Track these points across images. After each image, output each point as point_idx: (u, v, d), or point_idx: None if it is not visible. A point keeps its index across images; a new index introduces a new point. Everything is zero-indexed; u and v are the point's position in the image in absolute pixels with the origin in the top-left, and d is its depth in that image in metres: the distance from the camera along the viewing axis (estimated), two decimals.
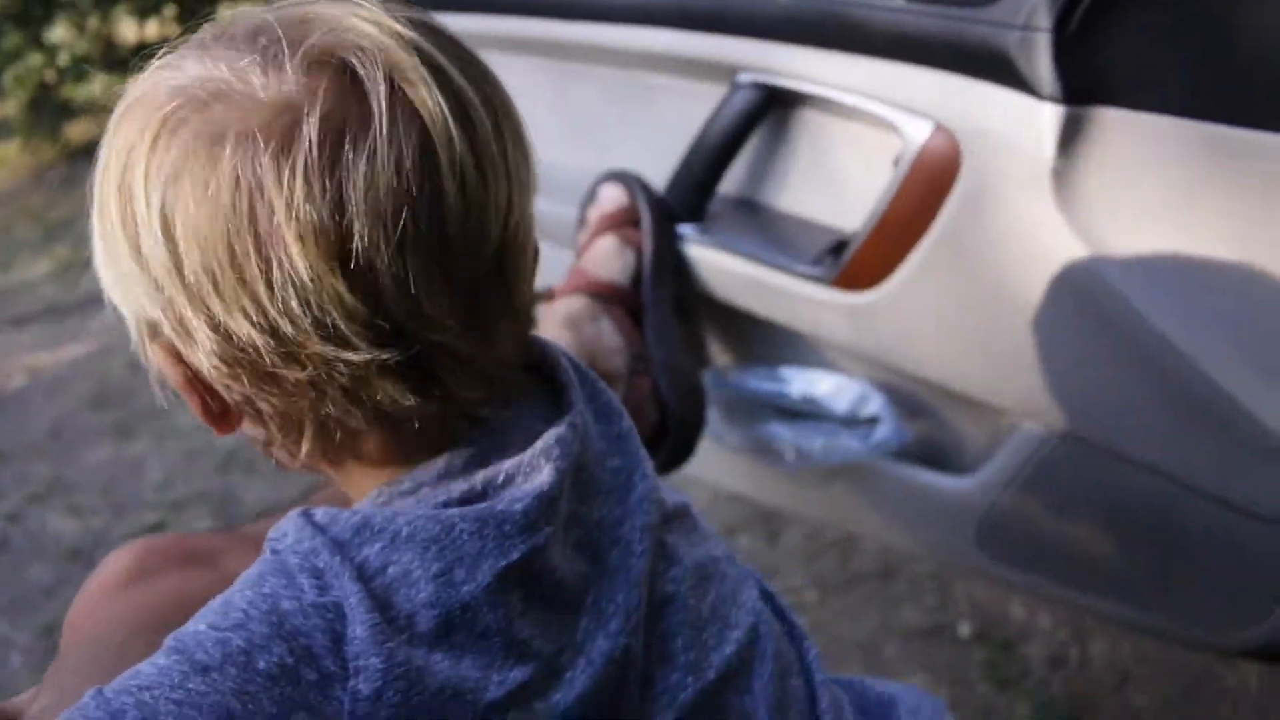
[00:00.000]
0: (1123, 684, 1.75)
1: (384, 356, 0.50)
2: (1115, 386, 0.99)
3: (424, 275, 0.50)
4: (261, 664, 0.49)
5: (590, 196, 1.31)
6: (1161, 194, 0.93)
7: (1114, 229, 0.94)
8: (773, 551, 2.19)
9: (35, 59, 6.67)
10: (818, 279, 1.13)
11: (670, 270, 1.23)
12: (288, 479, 2.81)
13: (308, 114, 0.48)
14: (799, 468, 1.22)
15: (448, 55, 0.52)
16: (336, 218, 0.48)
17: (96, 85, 7.17)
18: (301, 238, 0.48)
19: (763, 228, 1.23)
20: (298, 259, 0.48)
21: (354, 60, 0.50)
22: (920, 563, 2.08)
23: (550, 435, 0.57)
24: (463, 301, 0.52)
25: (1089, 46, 0.90)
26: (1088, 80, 0.91)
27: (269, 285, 0.49)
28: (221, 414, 0.56)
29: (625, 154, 1.34)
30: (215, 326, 0.51)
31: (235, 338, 0.50)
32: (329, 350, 0.50)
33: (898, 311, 1.08)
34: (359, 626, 0.51)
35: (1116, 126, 0.91)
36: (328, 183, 0.48)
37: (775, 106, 1.18)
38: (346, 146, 0.48)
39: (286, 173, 0.48)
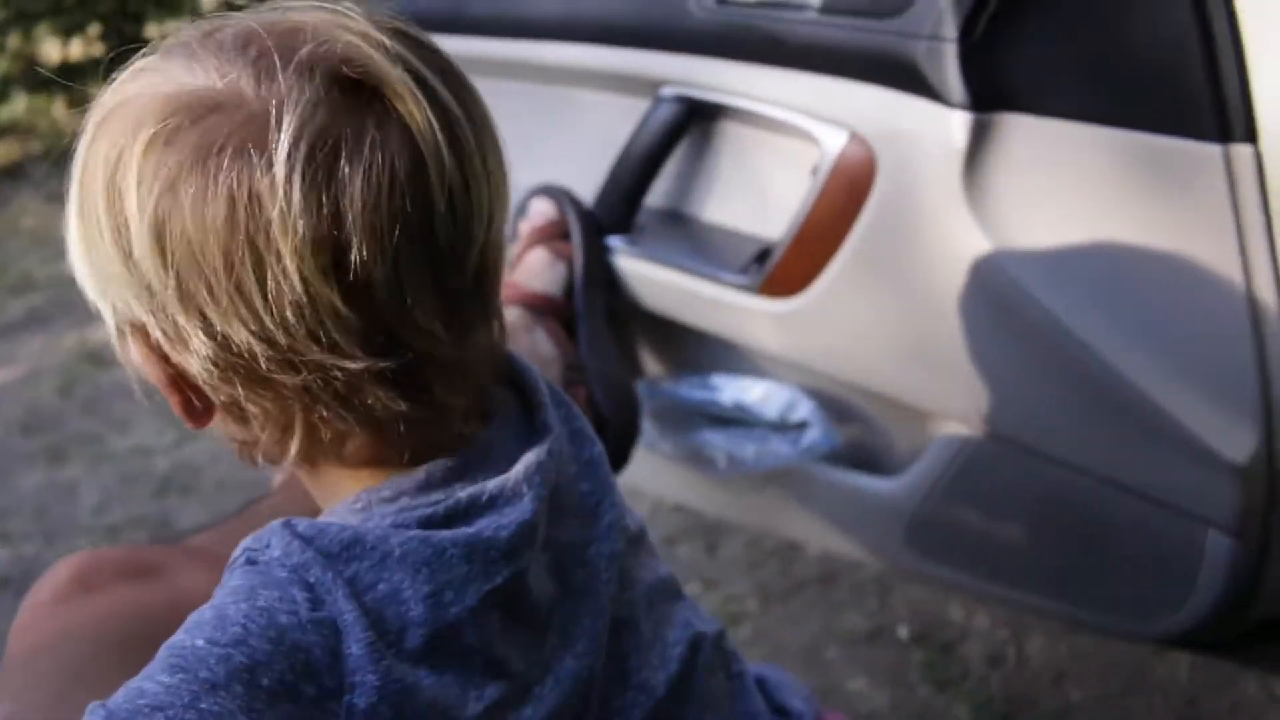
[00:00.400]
0: (1059, 680, 1.78)
1: (380, 365, 0.51)
2: (1031, 385, 1.01)
3: (416, 286, 0.51)
4: (265, 681, 0.49)
5: (520, 210, 1.31)
6: (1067, 196, 0.95)
7: (1024, 231, 0.96)
8: (713, 561, 2.20)
9: None
10: (744, 287, 1.14)
11: (601, 281, 1.24)
12: (223, 500, 2.78)
13: (302, 128, 0.49)
14: (732, 474, 1.24)
15: (431, 68, 0.52)
16: (333, 231, 0.49)
17: (19, 105, 7.04)
18: (298, 250, 0.48)
19: (689, 238, 1.24)
20: (293, 271, 0.48)
21: (345, 73, 0.50)
22: (861, 568, 2.10)
23: (531, 460, 0.59)
24: (448, 309, 0.53)
25: (993, 55, 0.93)
26: (993, 87, 0.93)
27: (264, 296, 0.49)
28: (203, 411, 0.57)
29: (553, 168, 1.35)
30: (211, 334, 0.51)
31: (232, 344, 0.51)
32: (325, 358, 0.51)
33: (821, 317, 1.10)
34: (355, 644, 0.51)
35: (1022, 132, 0.94)
36: (324, 196, 0.48)
37: (698, 119, 1.20)
38: (342, 160, 0.49)
39: (283, 186, 0.48)
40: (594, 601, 0.61)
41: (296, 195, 0.48)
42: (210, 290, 0.50)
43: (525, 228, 1.28)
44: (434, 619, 0.53)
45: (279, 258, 0.48)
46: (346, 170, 0.49)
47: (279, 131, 0.48)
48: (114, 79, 0.55)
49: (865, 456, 1.22)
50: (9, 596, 2.53)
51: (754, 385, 1.22)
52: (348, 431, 0.55)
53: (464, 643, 0.55)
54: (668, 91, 1.18)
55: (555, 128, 1.35)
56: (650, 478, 1.38)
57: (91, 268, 0.55)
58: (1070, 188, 0.95)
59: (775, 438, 1.20)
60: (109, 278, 0.54)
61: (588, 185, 1.28)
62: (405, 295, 0.51)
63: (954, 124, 0.94)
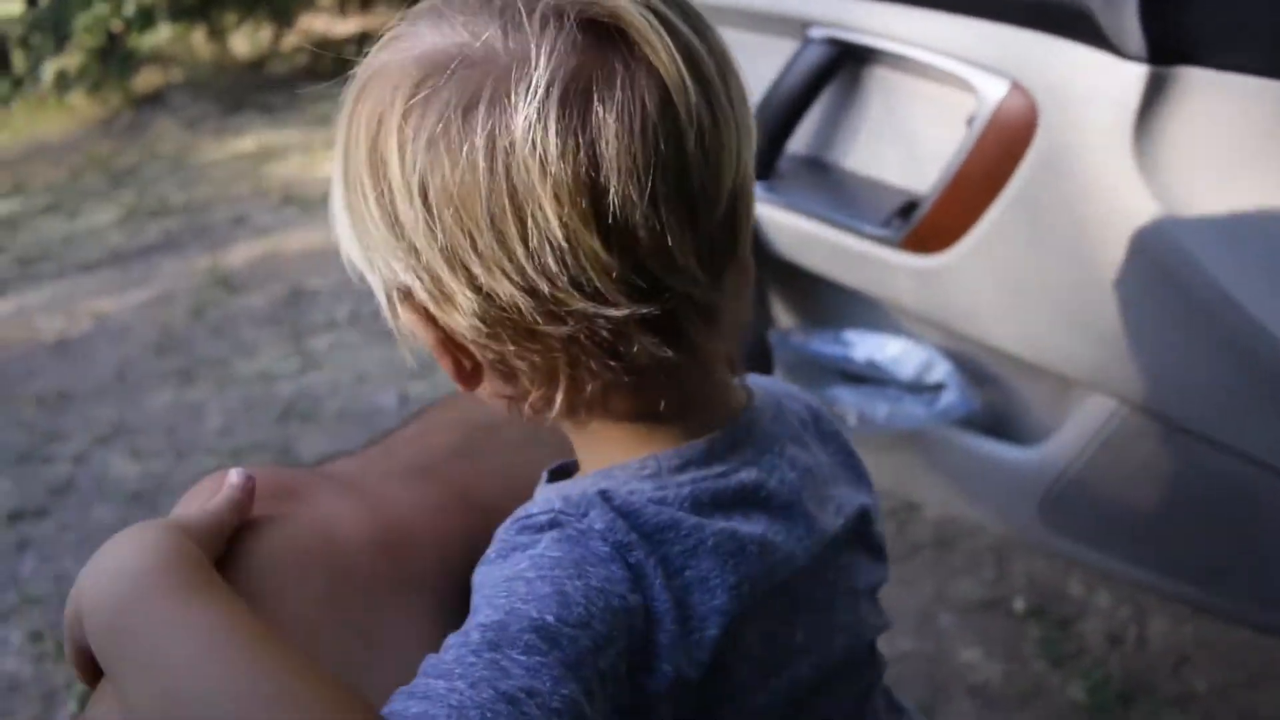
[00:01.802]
0: (1181, 666, 1.72)
1: (643, 310, 0.51)
2: (1190, 359, 0.96)
3: (673, 226, 0.50)
4: (602, 664, 0.50)
5: None
6: (1245, 158, 0.89)
7: (1197, 195, 0.91)
8: None
9: (102, 8, 6.76)
10: (886, 240, 1.11)
11: None
12: (342, 430, 2.84)
13: (554, 74, 0.49)
14: (862, 433, 1.21)
15: (671, 7, 0.52)
16: (591, 174, 0.48)
17: (163, 34, 7.25)
18: (557, 196, 0.48)
19: (831, 187, 1.21)
20: (553, 218, 0.49)
21: (589, 17, 0.50)
22: (978, 535, 2.05)
23: (799, 461, 0.62)
24: (703, 249, 0.52)
25: (1175, 4, 0.87)
26: (1173, 39, 0.88)
27: (526, 245, 0.49)
28: (473, 372, 0.57)
29: None
30: (476, 288, 0.51)
31: (496, 298, 0.51)
32: (589, 307, 0.50)
33: (968, 276, 1.06)
34: (664, 634, 0.53)
35: (1201, 87, 0.88)
36: (579, 140, 0.48)
37: (847, 63, 1.16)
38: (595, 104, 0.49)
39: (539, 132, 0.48)
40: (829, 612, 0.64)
41: (553, 141, 0.48)
42: (474, 244, 0.50)
43: None
44: (733, 609, 0.55)
45: (539, 205, 0.48)
46: (599, 112, 0.49)
47: (531, 80, 0.49)
48: (366, 52, 0.56)
49: (1002, 423, 1.17)
50: (140, 510, 2.63)
51: (890, 343, 1.18)
52: (613, 382, 0.55)
53: (753, 633, 0.57)
54: (817, 33, 1.14)
55: None
56: None
57: (358, 238, 0.55)
58: (1248, 149, 0.89)
59: (909, 398, 1.16)
60: (375, 244, 0.54)
61: None
62: (664, 236, 0.50)
63: (1127, 76, 0.89)
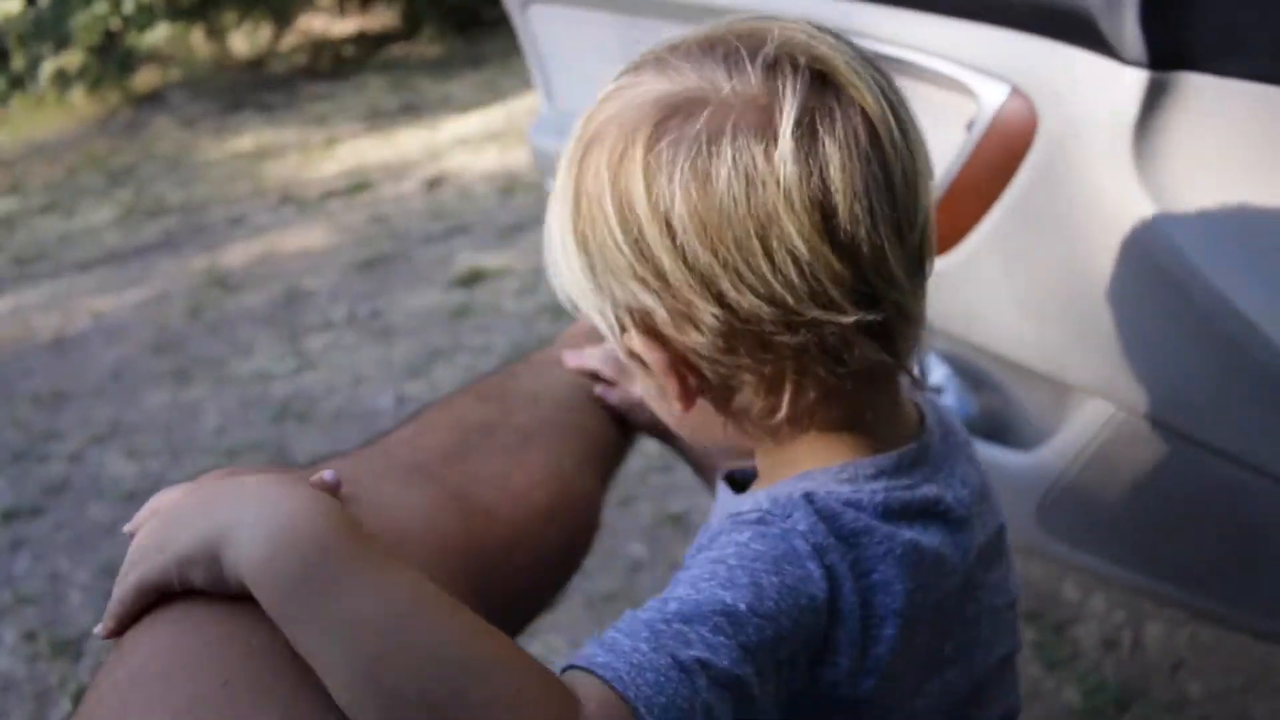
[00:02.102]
0: (1177, 671, 1.72)
1: (868, 317, 0.58)
2: (1189, 365, 0.96)
3: (890, 242, 0.57)
4: (782, 654, 0.56)
5: None
6: (1247, 165, 0.89)
7: (1196, 201, 0.91)
8: None
9: (101, 7, 6.75)
10: None
11: None
12: (337, 431, 2.84)
13: (781, 109, 0.56)
14: None
15: (859, 59, 0.60)
16: (822, 196, 0.55)
17: (161, 33, 7.24)
18: (798, 216, 0.55)
19: None
20: (794, 235, 0.55)
21: (805, 64, 0.58)
22: None
23: (970, 479, 0.69)
24: (909, 263, 0.60)
25: (1176, 9, 0.87)
26: (1174, 44, 0.88)
27: (771, 261, 0.56)
28: (695, 391, 0.62)
29: None
30: (722, 303, 0.57)
31: (740, 311, 0.57)
32: (822, 315, 0.57)
33: (964, 281, 1.06)
34: (845, 631, 0.59)
35: (1203, 94, 0.88)
36: (810, 166, 0.55)
37: None
38: (821, 136, 0.56)
39: (776, 161, 0.55)
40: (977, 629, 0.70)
41: (790, 168, 0.55)
42: (723, 264, 0.56)
43: None
44: (910, 613, 0.60)
45: (781, 225, 0.55)
46: (826, 143, 0.56)
47: (761, 115, 0.56)
48: (587, 113, 0.62)
49: (998, 428, 1.17)
50: (136, 509, 2.62)
51: None
52: (833, 389, 0.61)
53: (917, 638, 0.62)
54: None
55: None
56: None
57: (590, 269, 0.61)
58: (1249, 155, 0.89)
59: None
60: (614, 273, 0.59)
61: None
62: (883, 249, 0.57)
63: (1128, 81, 0.89)
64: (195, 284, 4.15)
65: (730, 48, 0.58)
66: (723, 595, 0.55)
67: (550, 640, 1.93)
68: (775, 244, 0.56)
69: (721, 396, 0.63)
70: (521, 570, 0.73)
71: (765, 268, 0.56)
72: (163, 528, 0.59)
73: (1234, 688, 1.67)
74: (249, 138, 6.46)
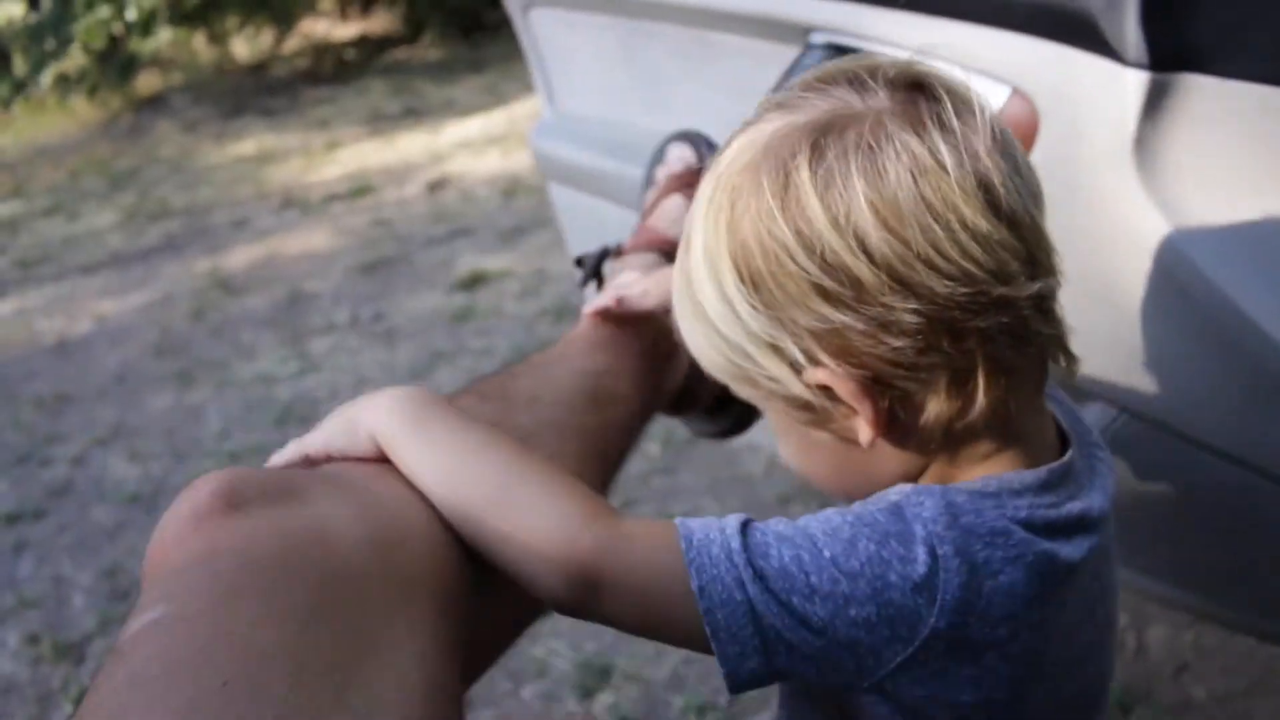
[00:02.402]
0: (1180, 674, 1.71)
1: (1039, 288, 0.62)
2: (1191, 367, 0.95)
3: (1038, 214, 0.63)
4: (852, 613, 0.60)
5: (658, 156, 1.29)
6: (1252, 168, 0.89)
7: (1199, 204, 0.90)
8: None
9: (104, 12, 6.76)
10: None
11: None
12: None
13: (920, 111, 0.61)
14: None
15: (953, 76, 0.65)
16: (982, 178, 0.60)
17: (164, 38, 7.25)
18: (969, 197, 0.59)
19: None
20: (969, 215, 0.59)
21: (911, 79, 0.63)
22: None
23: (1109, 487, 0.72)
24: (1045, 238, 0.65)
25: (1178, 10, 0.87)
26: (1176, 45, 0.87)
27: (956, 243, 0.59)
28: (888, 414, 0.64)
29: (693, 114, 1.32)
30: (920, 295, 0.60)
31: (936, 299, 0.60)
32: (1007, 290, 0.60)
33: None
34: (943, 619, 0.60)
35: (1205, 95, 0.88)
36: (964, 154, 0.59)
37: None
38: (959, 128, 0.60)
39: (939, 154, 0.59)
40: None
41: (950, 157, 0.59)
42: (916, 254, 0.59)
43: (663, 174, 1.26)
44: (1029, 618, 0.62)
45: (955, 209, 0.59)
46: (967, 135, 0.60)
47: (911, 118, 0.61)
48: (713, 172, 0.66)
49: None
50: (139, 512, 2.63)
51: None
52: (1015, 383, 0.64)
53: (1034, 639, 0.64)
54: (818, 38, 1.14)
55: (696, 73, 1.32)
56: (770, 434, 1.35)
57: (766, 309, 0.63)
58: (1252, 157, 0.89)
59: None
60: (800, 301, 0.61)
61: (728, 133, 1.25)
62: (1037, 222, 0.62)
63: (1129, 83, 0.88)
64: (198, 287, 4.16)
65: (850, 76, 0.63)
66: (817, 539, 0.61)
67: (552, 644, 1.93)
68: (957, 226, 0.59)
69: (912, 410, 0.64)
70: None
71: (954, 250, 0.59)
72: (313, 431, 0.75)
73: (1238, 690, 1.67)
74: (251, 142, 6.47)
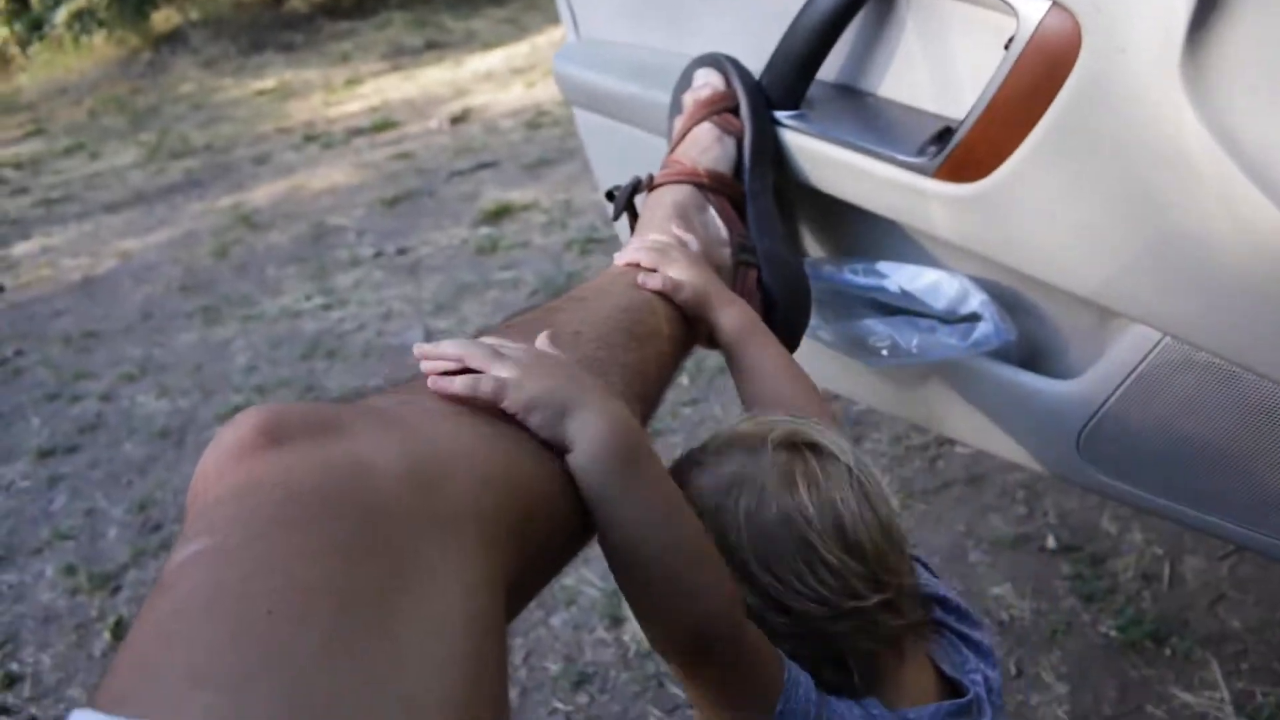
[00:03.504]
0: (1216, 604, 1.70)
1: (880, 599, 0.76)
2: (1240, 291, 0.92)
3: (882, 541, 0.77)
4: None
5: (685, 81, 1.26)
6: None
7: (1251, 118, 0.87)
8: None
9: None
10: (920, 169, 1.07)
11: (769, 158, 1.18)
12: (367, 367, 2.84)
13: (797, 472, 0.77)
14: (894, 364, 1.18)
15: (832, 438, 0.81)
16: (837, 520, 0.75)
17: None
18: (822, 538, 0.75)
19: (864, 115, 1.17)
20: (824, 552, 0.75)
21: (795, 443, 0.78)
22: (1010, 472, 2.04)
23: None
24: (899, 554, 0.79)
25: None
26: None
27: (813, 574, 0.75)
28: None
29: (719, 37, 1.29)
30: (788, 611, 0.76)
31: (796, 613, 0.76)
32: (855, 604, 0.75)
33: (1005, 204, 1.03)
34: None
35: (1254, 3, 0.84)
36: (824, 504, 0.75)
37: None
38: (825, 483, 0.77)
39: (805, 509, 0.75)
40: None
41: (811, 510, 0.75)
42: (785, 585, 0.76)
43: (689, 100, 1.22)
44: None
45: (814, 549, 0.75)
46: (830, 488, 0.77)
47: (790, 478, 0.77)
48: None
49: (1038, 356, 1.15)
50: (168, 446, 2.65)
51: (923, 273, 1.15)
52: (884, 655, 0.80)
53: None
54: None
55: None
56: (804, 365, 1.33)
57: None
58: None
59: (943, 329, 1.13)
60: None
61: (756, 56, 1.22)
62: (880, 547, 0.77)
63: None
64: (222, 223, 4.15)
65: (750, 442, 0.79)
66: None
67: (582, 573, 1.93)
68: (816, 562, 0.75)
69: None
70: (561, 507, 0.72)
71: (813, 579, 0.75)
72: (527, 373, 0.73)
73: (1274, 621, 1.65)
74: (271, 77, 6.42)
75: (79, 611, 2.11)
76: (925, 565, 0.91)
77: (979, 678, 0.86)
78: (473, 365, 0.73)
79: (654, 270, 1.02)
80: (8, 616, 2.13)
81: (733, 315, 1.02)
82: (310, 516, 0.54)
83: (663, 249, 1.04)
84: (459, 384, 0.72)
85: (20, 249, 4.30)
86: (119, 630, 2.02)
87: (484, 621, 0.57)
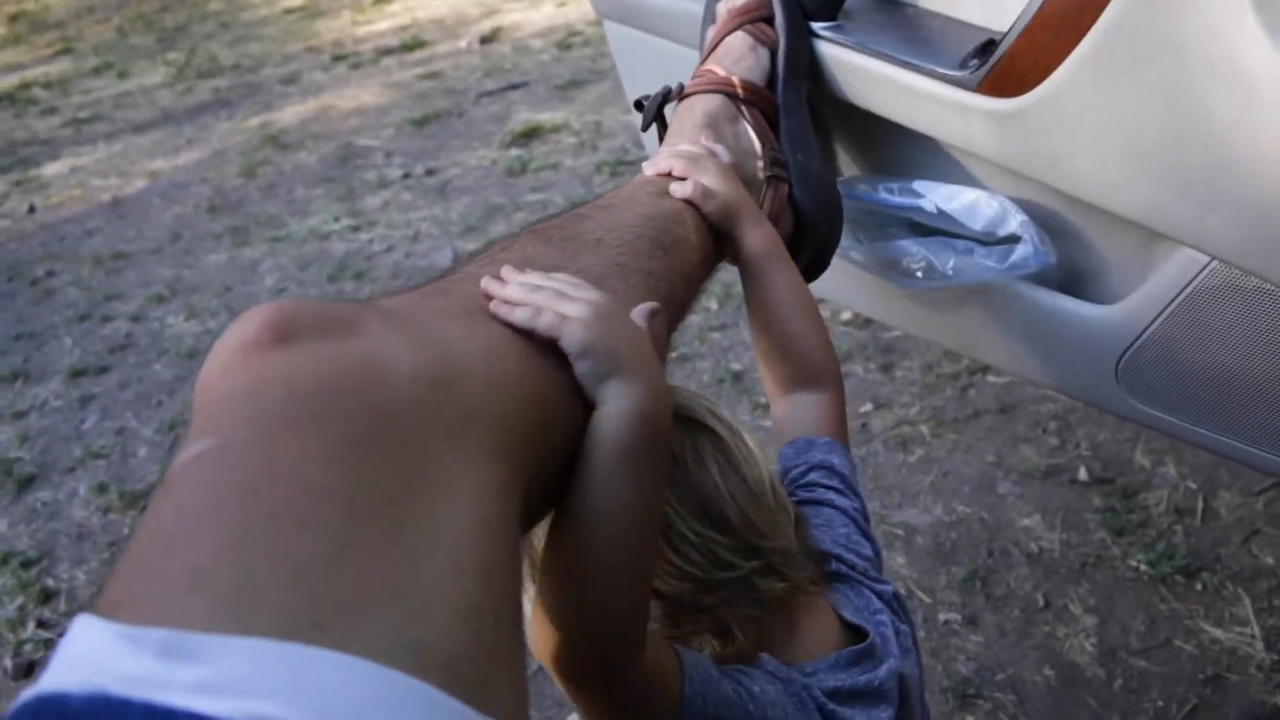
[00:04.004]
0: (1250, 539, 1.67)
1: (756, 564, 0.79)
2: None
3: (753, 515, 0.79)
4: None
5: None
6: None
7: None
8: (889, 381, 2.13)
9: None
10: (961, 83, 1.03)
11: (804, 71, 1.14)
12: (395, 288, 2.82)
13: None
14: (928, 287, 1.15)
15: (712, 412, 0.83)
16: (703, 501, 0.78)
17: None
18: (682, 519, 0.77)
19: (903, 26, 1.13)
20: (685, 529, 0.77)
21: (684, 415, 0.81)
22: (1042, 402, 2.00)
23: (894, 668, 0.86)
24: (773, 518, 0.81)
25: None
26: None
27: (675, 551, 0.77)
28: None
29: None
30: (658, 594, 0.77)
31: (669, 595, 0.79)
32: (725, 574, 0.78)
33: (1050, 120, 0.98)
34: None
35: None
36: (699, 477, 0.79)
37: None
38: (691, 463, 0.80)
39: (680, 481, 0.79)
40: None
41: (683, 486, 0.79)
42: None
43: (723, 8, 1.18)
44: None
45: (674, 525, 0.77)
46: (693, 465, 0.79)
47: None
48: None
49: (1079, 280, 1.11)
50: (198, 367, 2.65)
51: (961, 193, 1.11)
52: (771, 617, 0.82)
53: None
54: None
55: None
56: (835, 287, 1.30)
57: None
58: None
59: (980, 251, 1.10)
60: None
61: None
62: (749, 518, 0.79)
63: None
64: (250, 143, 4.13)
65: None
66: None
67: None
68: (676, 539, 0.76)
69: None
70: (580, 419, 0.69)
71: (675, 558, 0.76)
72: (592, 317, 0.70)
73: None
74: None
75: (111, 529, 2.13)
76: (855, 520, 0.91)
77: (885, 618, 0.86)
78: (538, 302, 0.70)
79: (684, 178, 0.99)
80: (43, 533, 2.15)
81: (759, 235, 0.99)
82: (318, 417, 0.52)
83: (695, 158, 1.01)
84: (519, 314, 0.69)
85: (50, 169, 4.29)
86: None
87: (495, 528, 0.55)
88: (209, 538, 0.47)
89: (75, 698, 0.40)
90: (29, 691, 0.41)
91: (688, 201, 0.98)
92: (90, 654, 0.42)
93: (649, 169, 1.02)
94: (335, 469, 0.50)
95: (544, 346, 0.69)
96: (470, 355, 0.63)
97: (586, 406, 0.69)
